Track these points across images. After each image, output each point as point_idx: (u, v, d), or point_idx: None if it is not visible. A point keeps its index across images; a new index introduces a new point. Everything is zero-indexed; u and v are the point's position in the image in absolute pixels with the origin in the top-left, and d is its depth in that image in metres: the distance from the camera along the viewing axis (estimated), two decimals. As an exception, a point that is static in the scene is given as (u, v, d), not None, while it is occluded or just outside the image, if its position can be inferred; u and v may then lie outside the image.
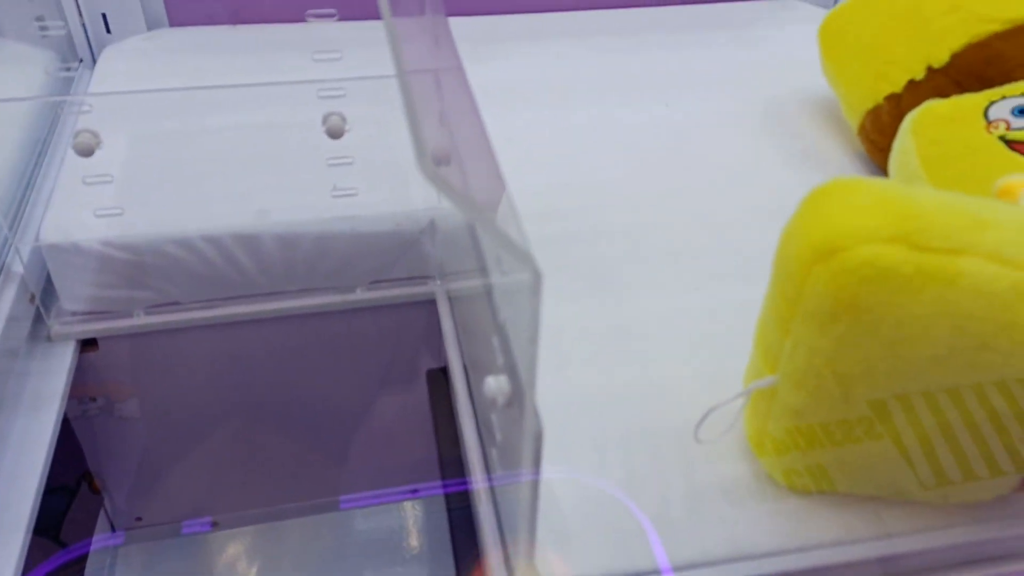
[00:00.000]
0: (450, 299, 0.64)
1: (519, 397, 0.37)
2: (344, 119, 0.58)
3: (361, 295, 0.67)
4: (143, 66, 0.80)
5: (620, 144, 0.74)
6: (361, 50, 0.56)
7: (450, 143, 0.50)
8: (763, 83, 0.84)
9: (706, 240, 0.63)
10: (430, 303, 0.68)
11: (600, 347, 0.54)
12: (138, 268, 0.62)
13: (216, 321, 0.66)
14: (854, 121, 0.70)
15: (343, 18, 0.63)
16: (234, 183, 0.65)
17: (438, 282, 0.68)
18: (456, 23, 0.97)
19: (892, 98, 0.65)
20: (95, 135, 0.53)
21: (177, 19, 0.86)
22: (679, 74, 0.86)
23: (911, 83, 0.64)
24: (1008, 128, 0.55)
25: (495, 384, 0.40)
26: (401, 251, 0.66)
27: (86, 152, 0.53)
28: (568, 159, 0.72)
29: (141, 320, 0.64)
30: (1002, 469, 0.39)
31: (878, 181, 0.38)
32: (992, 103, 0.57)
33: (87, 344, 0.65)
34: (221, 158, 0.67)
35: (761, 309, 0.43)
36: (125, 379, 0.71)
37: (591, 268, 0.60)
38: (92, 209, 0.58)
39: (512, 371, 0.38)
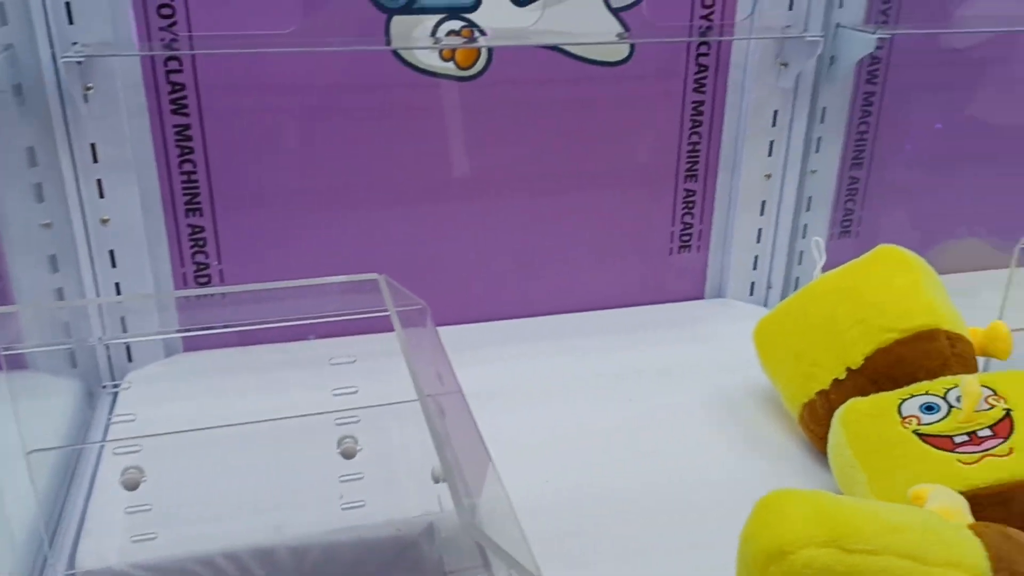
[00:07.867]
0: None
1: None
2: (356, 441, 0.67)
3: (365, 599, 0.72)
4: (165, 390, 0.90)
5: (590, 441, 0.83)
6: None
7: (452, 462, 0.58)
8: (714, 376, 0.95)
9: (673, 536, 0.69)
10: (430, 603, 0.73)
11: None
12: (161, 587, 0.67)
13: (228, 633, 0.70)
14: (794, 412, 0.80)
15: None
16: (252, 501, 0.72)
17: (438, 582, 0.73)
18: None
19: (822, 393, 0.76)
20: (140, 471, 0.61)
21: (191, 346, 0.97)
22: (641, 370, 0.97)
23: (835, 381, 0.75)
24: (919, 423, 0.66)
25: None
26: (400, 553, 0.72)
27: (132, 487, 0.60)
28: (548, 459, 0.80)
29: (158, 638, 0.68)
30: None
31: (811, 493, 0.47)
32: (903, 401, 0.68)
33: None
34: (240, 477, 0.75)
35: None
36: None
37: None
38: (129, 536, 0.64)
39: None
